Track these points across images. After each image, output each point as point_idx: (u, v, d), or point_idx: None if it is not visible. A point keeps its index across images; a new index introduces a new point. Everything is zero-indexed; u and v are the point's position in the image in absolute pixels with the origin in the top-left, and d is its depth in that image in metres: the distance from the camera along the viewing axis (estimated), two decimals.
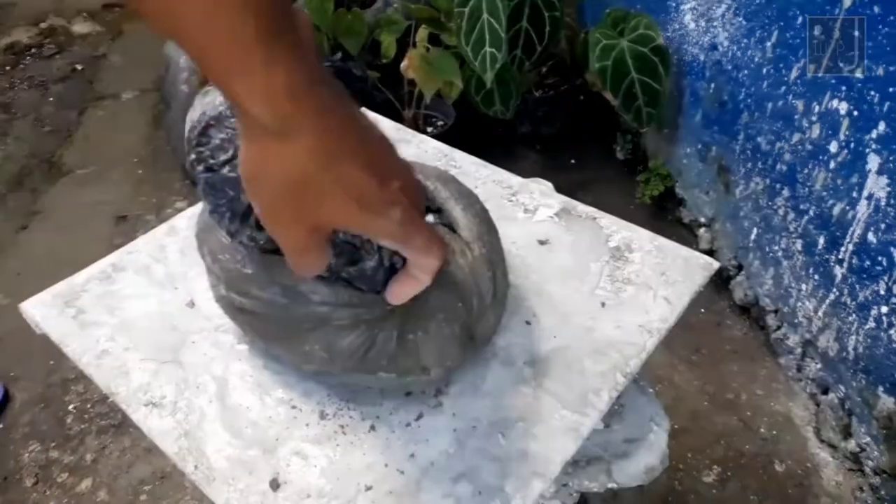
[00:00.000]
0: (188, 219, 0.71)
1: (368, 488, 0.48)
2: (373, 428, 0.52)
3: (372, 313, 0.48)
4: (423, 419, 0.53)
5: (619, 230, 0.69)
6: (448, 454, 0.50)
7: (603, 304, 0.61)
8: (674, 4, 1.63)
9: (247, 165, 0.37)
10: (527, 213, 0.71)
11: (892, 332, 1.08)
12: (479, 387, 0.55)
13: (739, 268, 1.54)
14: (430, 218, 0.55)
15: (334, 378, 0.53)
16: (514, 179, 0.76)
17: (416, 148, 0.82)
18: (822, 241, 1.22)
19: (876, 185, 1.07)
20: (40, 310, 0.63)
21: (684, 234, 1.74)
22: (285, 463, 0.50)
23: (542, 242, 0.68)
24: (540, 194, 0.74)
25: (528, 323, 0.60)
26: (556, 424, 0.52)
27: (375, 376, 0.51)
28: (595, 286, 0.63)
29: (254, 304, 0.49)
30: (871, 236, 1.10)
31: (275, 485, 0.49)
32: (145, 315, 0.62)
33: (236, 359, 0.58)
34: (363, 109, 0.42)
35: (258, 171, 0.37)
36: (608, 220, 0.70)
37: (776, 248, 1.37)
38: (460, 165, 0.80)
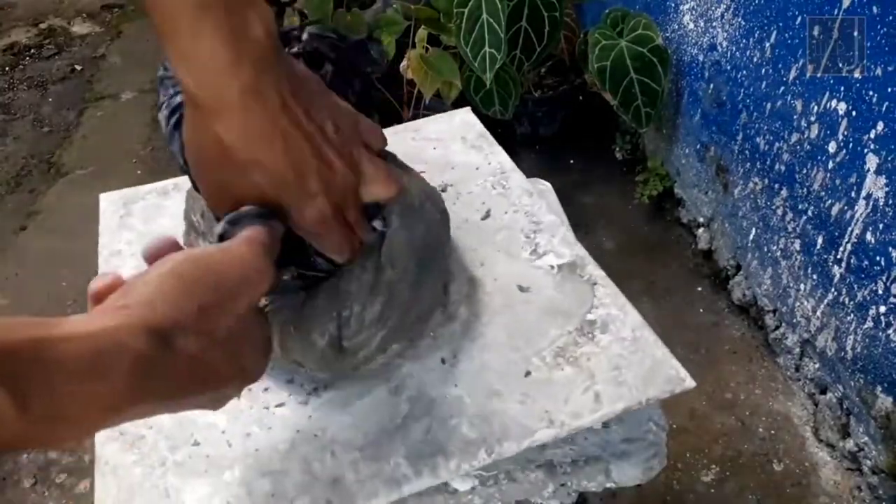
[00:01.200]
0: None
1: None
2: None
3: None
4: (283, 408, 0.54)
5: (610, 305, 0.61)
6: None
7: (527, 374, 0.55)
8: (673, 5, 1.63)
9: (185, 134, 0.39)
10: (532, 255, 0.65)
11: (890, 331, 1.08)
12: (348, 403, 0.53)
13: (738, 268, 1.54)
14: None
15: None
16: (548, 217, 0.69)
17: (483, 158, 0.78)
18: (820, 240, 1.22)
19: (874, 185, 1.07)
20: None
21: (683, 233, 1.74)
22: None
23: (521, 289, 0.62)
24: (560, 241, 0.66)
25: (443, 361, 0.56)
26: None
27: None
28: (537, 352, 0.56)
29: None
30: (869, 236, 1.10)
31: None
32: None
33: None
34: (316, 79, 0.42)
35: (190, 141, 0.38)
36: (606, 291, 0.62)
37: (774, 247, 1.37)
38: (509, 187, 0.74)
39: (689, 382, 0.55)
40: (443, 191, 0.72)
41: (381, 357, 0.55)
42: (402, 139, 0.81)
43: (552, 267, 0.64)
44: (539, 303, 0.61)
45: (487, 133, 0.81)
